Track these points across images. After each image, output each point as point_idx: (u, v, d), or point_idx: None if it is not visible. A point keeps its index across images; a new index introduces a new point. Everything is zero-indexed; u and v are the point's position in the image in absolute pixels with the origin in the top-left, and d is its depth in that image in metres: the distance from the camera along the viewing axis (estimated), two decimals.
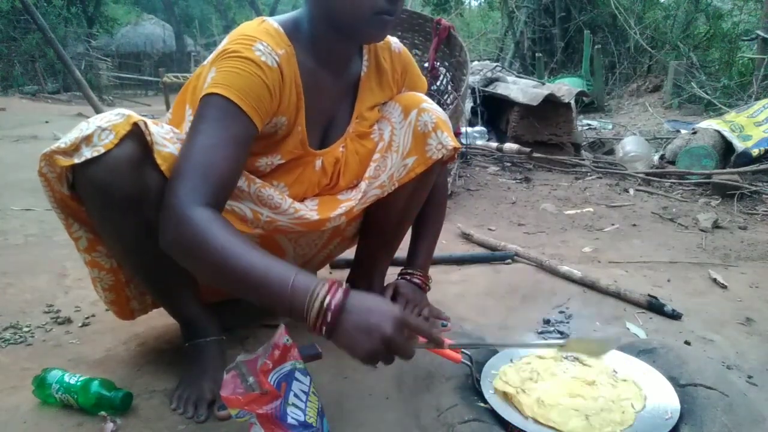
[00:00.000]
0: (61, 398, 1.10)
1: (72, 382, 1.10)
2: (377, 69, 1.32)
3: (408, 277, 1.46)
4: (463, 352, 1.01)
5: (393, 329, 0.85)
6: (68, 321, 1.51)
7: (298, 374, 0.93)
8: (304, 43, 1.16)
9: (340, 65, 1.23)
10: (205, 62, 1.13)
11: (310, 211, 1.23)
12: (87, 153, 1.00)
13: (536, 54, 8.60)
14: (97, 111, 8.11)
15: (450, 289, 1.78)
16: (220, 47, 1.09)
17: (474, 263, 2.02)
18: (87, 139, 1.00)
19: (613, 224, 2.63)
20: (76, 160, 1.00)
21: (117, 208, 1.04)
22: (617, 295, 1.70)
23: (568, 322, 1.54)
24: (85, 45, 13.46)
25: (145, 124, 1.04)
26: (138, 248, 1.11)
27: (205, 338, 1.20)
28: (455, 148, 1.32)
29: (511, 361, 1.18)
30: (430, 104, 1.32)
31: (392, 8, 1.08)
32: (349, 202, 1.28)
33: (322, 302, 0.85)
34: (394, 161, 1.30)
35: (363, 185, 1.29)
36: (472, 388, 1.08)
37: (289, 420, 0.88)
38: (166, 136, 1.08)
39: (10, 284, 1.76)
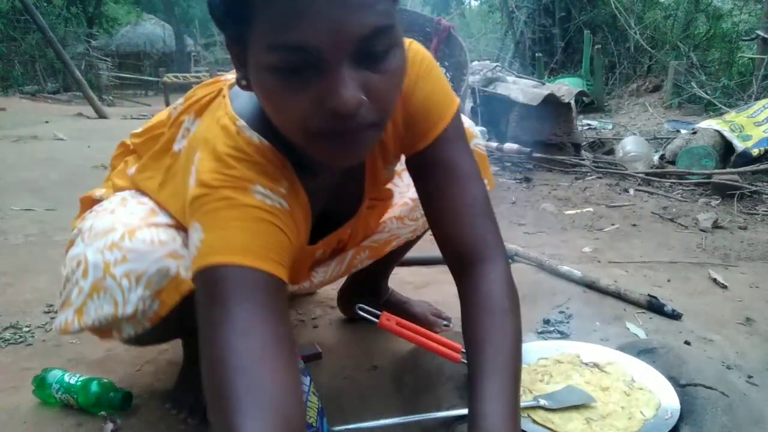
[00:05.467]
0: (61, 398, 1.10)
1: (72, 382, 1.10)
2: (379, 144, 0.94)
3: None
4: (463, 352, 1.01)
5: None
6: None
7: None
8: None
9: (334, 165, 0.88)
10: (180, 150, 0.89)
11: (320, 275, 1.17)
12: (129, 330, 0.92)
13: (536, 54, 8.60)
14: (97, 111, 8.11)
15: (450, 289, 1.75)
16: (192, 171, 0.74)
17: None
18: (129, 319, 0.89)
19: (613, 224, 2.63)
20: (116, 335, 0.94)
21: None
22: (617, 295, 1.70)
23: (568, 322, 1.54)
24: (85, 45, 13.45)
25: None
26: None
27: None
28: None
29: None
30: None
31: (337, 125, 0.65)
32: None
33: None
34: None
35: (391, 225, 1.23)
36: None
37: None
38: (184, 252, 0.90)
39: (10, 284, 1.76)
